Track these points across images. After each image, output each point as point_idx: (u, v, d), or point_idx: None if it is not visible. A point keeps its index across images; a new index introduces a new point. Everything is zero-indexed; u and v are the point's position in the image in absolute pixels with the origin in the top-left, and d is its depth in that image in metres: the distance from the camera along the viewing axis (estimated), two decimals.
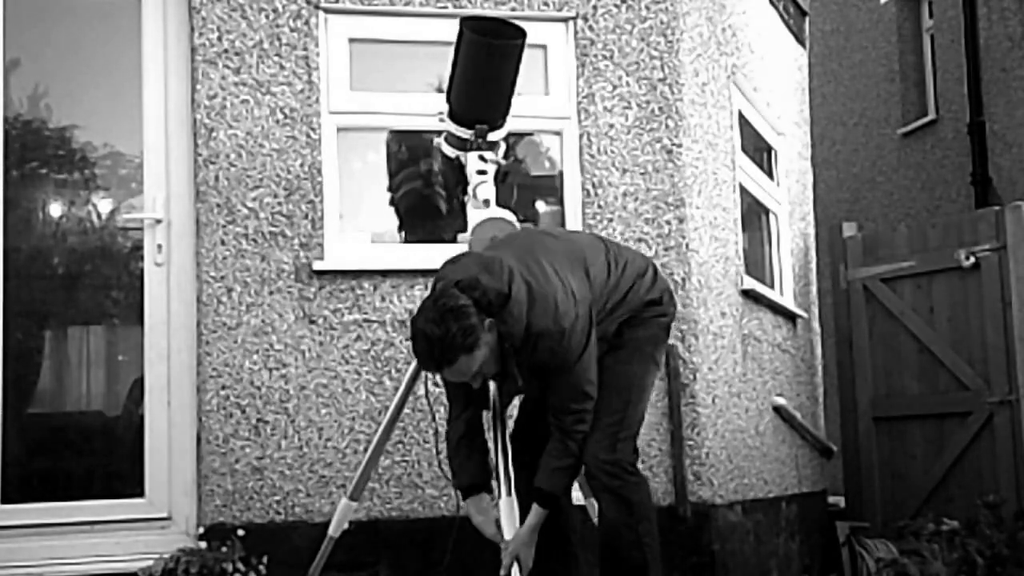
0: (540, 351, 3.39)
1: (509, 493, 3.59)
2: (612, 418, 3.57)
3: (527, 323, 3.35)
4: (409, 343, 4.66)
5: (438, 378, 4.22)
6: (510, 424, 3.79)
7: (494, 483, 3.63)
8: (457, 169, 3.99)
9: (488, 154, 3.90)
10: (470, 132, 3.88)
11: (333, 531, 4.03)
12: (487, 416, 3.67)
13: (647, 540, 3.62)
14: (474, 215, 3.80)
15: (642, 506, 3.64)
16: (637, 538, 3.61)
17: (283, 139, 4.82)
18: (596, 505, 4.05)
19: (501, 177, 3.94)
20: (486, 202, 3.81)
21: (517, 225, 3.79)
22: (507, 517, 3.56)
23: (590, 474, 3.63)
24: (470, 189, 3.86)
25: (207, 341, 4.66)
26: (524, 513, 3.57)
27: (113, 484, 4.67)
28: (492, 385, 3.67)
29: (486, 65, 3.82)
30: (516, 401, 3.97)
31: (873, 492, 7.34)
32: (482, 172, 3.86)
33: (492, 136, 3.91)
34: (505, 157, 4.01)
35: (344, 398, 4.74)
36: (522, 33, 3.83)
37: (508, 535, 3.55)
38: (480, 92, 3.86)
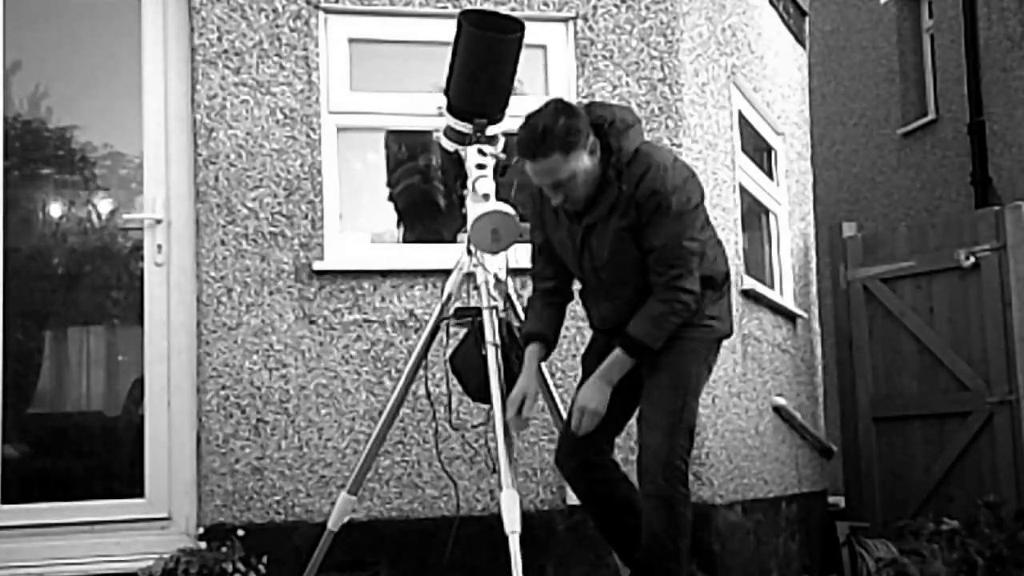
0: (643, 187, 3.39)
1: (510, 486, 3.57)
2: (670, 415, 3.51)
3: (637, 152, 3.44)
4: (409, 343, 4.71)
5: (438, 378, 4.23)
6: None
7: (500, 467, 3.60)
8: (456, 163, 3.99)
9: (487, 148, 3.90)
10: (469, 126, 3.88)
11: (332, 525, 4.03)
12: (496, 401, 3.65)
13: (684, 558, 3.59)
14: (473, 209, 3.80)
15: (686, 522, 3.59)
16: (677, 551, 3.56)
17: (283, 139, 4.82)
18: None
19: (500, 171, 3.93)
20: (485, 196, 3.80)
21: (517, 218, 3.79)
22: (508, 510, 3.55)
23: (644, 474, 3.55)
24: (469, 183, 3.86)
25: (207, 341, 4.66)
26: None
27: (113, 484, 4.67)
28: (495, 369, 3.66)
29: (484, 59, 3.82)
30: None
31: (873, 492, 7.34)
32: (481, 166, 3.86)
33: (491, 130, 3.91)
34: (504, 151, 4.01)
35: (344, 398, 4.74)
36: (520, 26, 3.83)
37: (509, 528, 3.53)
38: (479, 86, 3.87)
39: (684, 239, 3.44)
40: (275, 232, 4.76)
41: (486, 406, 3.79)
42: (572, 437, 3.58)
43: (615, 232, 3.45)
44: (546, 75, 5.15)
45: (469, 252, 3.97)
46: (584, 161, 3.37)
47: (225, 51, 4.81)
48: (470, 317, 3.94)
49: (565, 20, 5.17)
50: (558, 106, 3.40)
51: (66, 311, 4.89)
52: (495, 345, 3.73)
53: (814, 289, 7.74)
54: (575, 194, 3.42)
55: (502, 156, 3.97)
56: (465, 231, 3.85)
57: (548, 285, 3.74)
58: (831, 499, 7.73)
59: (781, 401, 6.34)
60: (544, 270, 3.75)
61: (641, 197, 3.40)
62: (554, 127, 3.32)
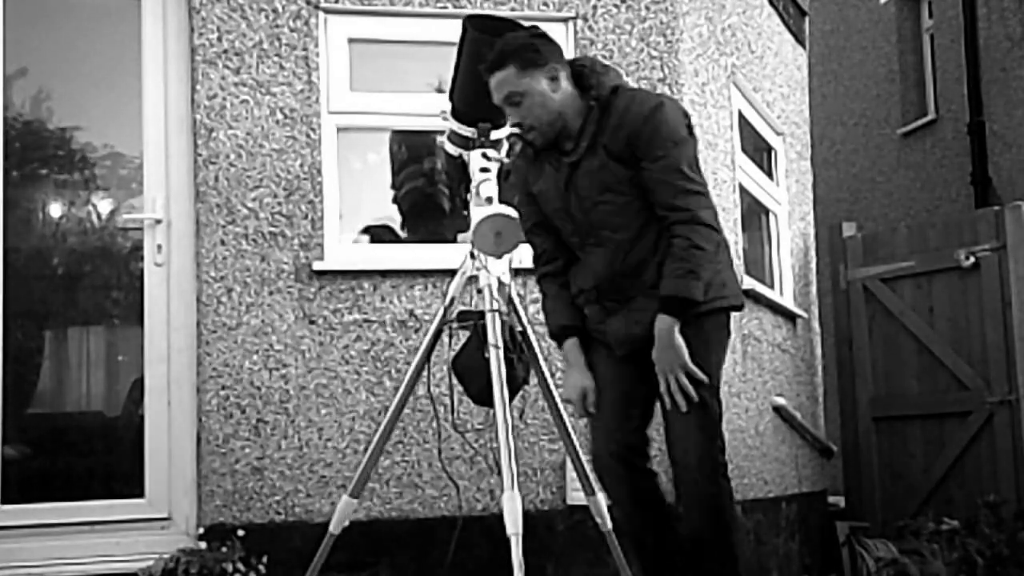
0: (633, 115, 3.37)
1: (512, 487, 3.57)
2: (698, 409, 3.40)
3: (619, 88, 3.45)
4: (410, 343, 4.71)
5: (439, 378, 4.23)
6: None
7: (502, 468, 3.58)
8: (460, 167, 3.99)
9: (491, 152, 3.90)
10: (473, 130, 3.88)
11: (334, 528, 4.02)
12: (499, 404, 3.64)
13: (738, 552, 3.55)
14: (476, 212, 3.80)
15: (732, 518, 3.56)
16: (728, 550, 3.55)
17: (283, 139, 4.82)
18: (601, 504, 4.04)
19: (504, 175, 3.94)
20: (488, 200, 3.81)
21: (519, 221, 3.78)
22: (509, 512, 3.54)
23: (680, 476, 3.49)
24: (473, 187, 3.86)
25: (207, 341, 4.66)
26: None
27: (113, 484, 4.67)
28: (498, 372, 3.65)
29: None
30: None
31: (873, 492, 7.34)
32: (485, 170, 3.86)
33: (495, 134, 3.91)
34: (508, 155, 4.01)
35: (344, 398, 4.74)
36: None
37: (511, 530, 3.52)
38: (483, 90, 3.87)
39: (684, 167, 3.39)
40: (275, 232, 4.77)
41: (487, 408, 3.78)
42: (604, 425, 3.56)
43: (602, 165, 3.44)
44: None
45: (472, 255, 3.97)
46: (542, 84, 3.41)
47: (225, 51, 4.81)
48: (472, 320, 3.94)
49: (565, 20, 5.17)
50: (533, 30, 3.47)
51: (66, 311, 4.89)
52: (498, 348, 3.73)
53: (814, 289, 7.74)
54: (531, 118, 3.46)
55: (506, 160, 3.97)
56: (465, 231, 3.85)
57: (553, 267, 3.70)
58: (831, 499, 7.73)
59: (781, 401, 6.34)
60: (543, 246, 3.71)
61: (633, 125, 3.38)
62: (515, 42, 3.39)
